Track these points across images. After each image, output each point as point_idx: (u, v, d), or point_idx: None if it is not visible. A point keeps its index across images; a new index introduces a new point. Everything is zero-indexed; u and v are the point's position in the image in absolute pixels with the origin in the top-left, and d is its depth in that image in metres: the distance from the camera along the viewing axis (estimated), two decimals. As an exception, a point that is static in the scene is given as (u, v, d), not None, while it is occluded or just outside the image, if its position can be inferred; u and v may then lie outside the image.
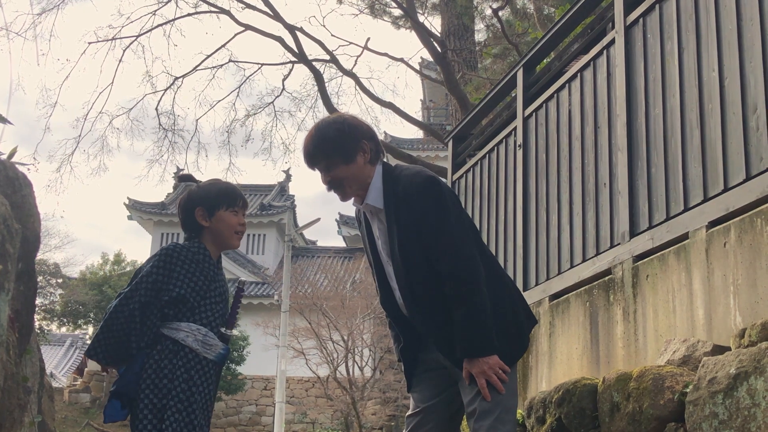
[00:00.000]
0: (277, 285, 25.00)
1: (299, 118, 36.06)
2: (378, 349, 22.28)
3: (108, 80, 38.44)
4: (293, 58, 13.72)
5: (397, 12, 14.40)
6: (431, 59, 14.00)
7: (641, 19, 4.02)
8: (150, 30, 14.98)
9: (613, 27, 4.35)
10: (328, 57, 13.63)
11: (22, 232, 3.03)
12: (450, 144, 6.77)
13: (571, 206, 4.56)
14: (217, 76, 48.53)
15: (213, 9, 14.30)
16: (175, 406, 2.89)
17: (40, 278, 23.51)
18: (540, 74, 5.47)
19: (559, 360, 4.48)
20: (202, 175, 21.08)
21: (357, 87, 13.94)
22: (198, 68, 15.04)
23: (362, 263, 25.65)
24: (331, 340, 20.96)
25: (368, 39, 17.33)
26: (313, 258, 29.35)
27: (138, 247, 77.00)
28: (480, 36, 14.51)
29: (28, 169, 3.51)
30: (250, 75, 17.23)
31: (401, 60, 13.86)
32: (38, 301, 18.27)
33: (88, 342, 3.73)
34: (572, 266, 4.46)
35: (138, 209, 29.79)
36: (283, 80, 17.29)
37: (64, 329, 31.96)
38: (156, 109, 15.45)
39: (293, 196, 31.04)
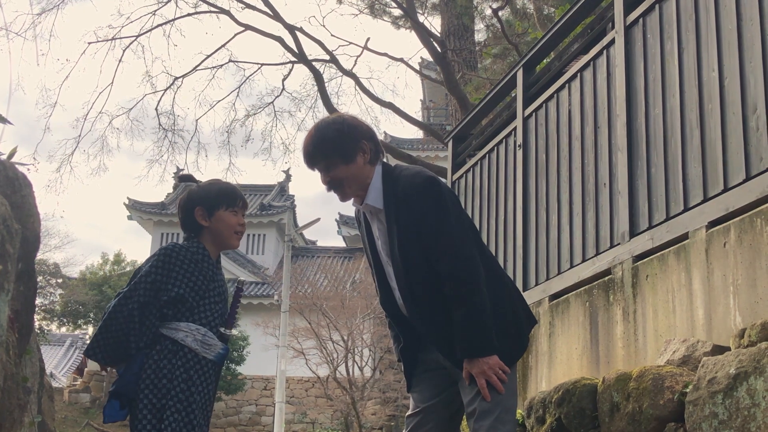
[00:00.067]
0: (277, 285, 25.00)
1: (299, 118, 36.06)
2: (378, 349, 22.28)
3: (108, 80, 38.50)
4: (293, 58, 13.72)
5: (397, 12, 14.41)
6: (431, 59, 13.99)
7: (641, 19, 4.02)
8: (150, 30, 15.00)
9: (613, 27, 4.35)
10: (327, 57, 13.63)
11: (22, 232, 3.02)
12: (450, 144, 6.77)
13: (571, 206, 4.56)
14: (217, 76, 48.54)
15: (213, 9, 14.31)
16: (174, 406, 2.88)
17: (40, 278, 23.51)
18: (540, 74, 5.47)
19: (558, 360, 4.48)
20: (202, 175, 21.11)
21: (357, 87, 13.96)
22: (198, 68, 15.05)
23: (362, 263, 25.64)
24: (331, 340, 20.96)
25: (368, 39, 17.33)
26: (313, 258, 29.35)
27: (138, 247, 77.09)
28: (480, 36, 14.53)
29: (28, 169, 3.51)
30: (250, 75, 17.25)
31: (401, 60, 13.86)
32: (38, 301, 18.27)
33: (88, 342, 3.72)
34: (572, 266, 4.46)
35: (138, 209, 29.79)
36: (283, 80, 17.33)
37: (64, 329, 31.96)
38: (156, 109, 15.47)
39: (293, 196, 31.06)
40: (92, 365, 24.74)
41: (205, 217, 3.11)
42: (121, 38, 14.98)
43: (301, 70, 23.49)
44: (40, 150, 68.30)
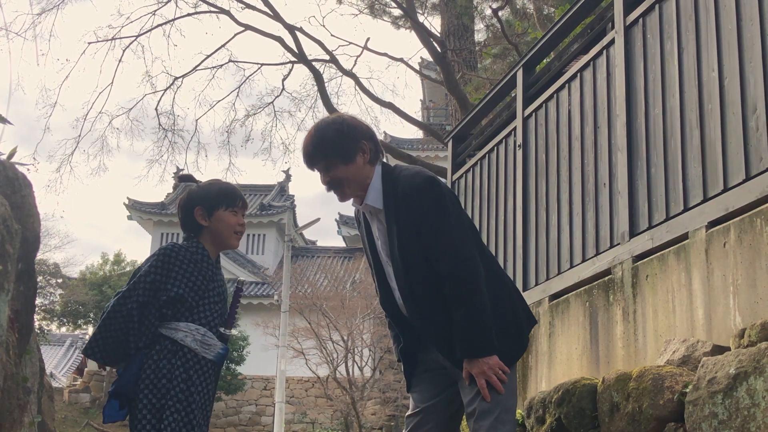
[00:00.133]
0: (277, 285, 25.00)
1: (299, 118, 36.03)
2: (378, 349, 22.28)
3: (108, 80, 38.55)
4: (293, 58, 13.72)
5: (397, 12, 14.40)
6: (431, 59, 13.99)
7: (641, 19, 4.02)
8: (150, 30, 15.00)
9: (612, 27, 4.35)
10: (327, 57, 13.63)
11: (21, 232, 3.03)
12: (450, 144, 6.77)
13: (571, 206, 4.56)
14: (217, 76, 48.47)
15: (213, 9, 14.31)
16: (173, 406, 2.88)
17: (40, 278, 23.51)
18: (540, 74, 5.47)
19: (558, 360, 4.48)
20: (202, 175, 21.13)
21: (357, 87, 13.96)
22: (198, 68, 15.05)
23: (362, 263, 25.64)
24: (330, 340, 20.96)
25: (368, 39, 17.31)
26: (312, 258, 29.36)
27: (138, 247, 77.09)
28: (480, 36, 14.52)
29: (28, 170, 3.51)
30: (250, 75, 17.23)
31: (401, 60, 13.86)
32: (38, 301, 18.25)
33: (87, 341, 3.71)
34: (572, 266, 4.46)
35: (138, 209, 29.80)
36: (283, 80, 17.31)
37: (63, 329, 31.96)
38: (156, 109, 15.47)
39: (293, 196, 31.07)
40: (92, 365, 24.74)
41: (204, 217, 3.11)
42: (121, 38, 15.01)
43: (301, 70, 23.50)
44: (40, 150, 68.30)
